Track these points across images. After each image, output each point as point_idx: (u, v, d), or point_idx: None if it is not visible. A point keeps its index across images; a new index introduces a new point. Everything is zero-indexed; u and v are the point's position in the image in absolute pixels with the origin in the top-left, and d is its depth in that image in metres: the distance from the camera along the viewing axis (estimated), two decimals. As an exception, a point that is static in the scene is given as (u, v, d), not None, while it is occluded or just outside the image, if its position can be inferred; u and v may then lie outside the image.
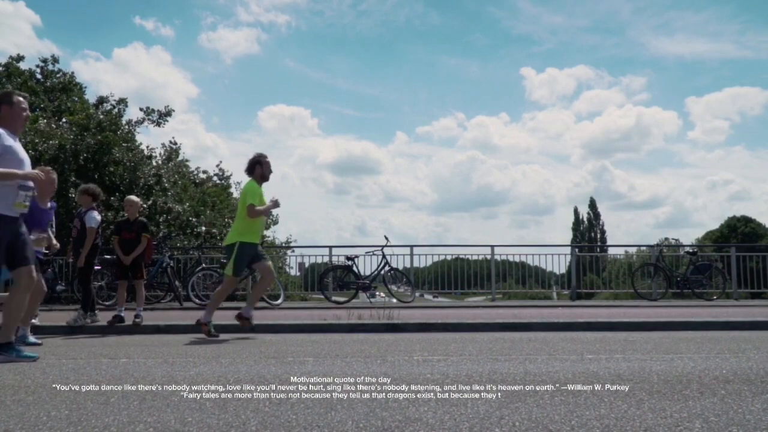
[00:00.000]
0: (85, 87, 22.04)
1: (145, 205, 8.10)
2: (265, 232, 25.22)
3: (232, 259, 6.30)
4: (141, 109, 19.50)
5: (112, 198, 14.77)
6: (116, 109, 19.41)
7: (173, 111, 19.73)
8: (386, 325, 6.89)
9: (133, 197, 7.84)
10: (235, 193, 26.35)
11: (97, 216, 7.30)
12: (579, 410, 2.53)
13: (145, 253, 7.55)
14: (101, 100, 20.33)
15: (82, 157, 14.86)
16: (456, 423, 2.34)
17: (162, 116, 19.34)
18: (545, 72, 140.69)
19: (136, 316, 7.17)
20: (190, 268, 12.24)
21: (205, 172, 24.37)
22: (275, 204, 6.53)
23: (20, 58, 20.75)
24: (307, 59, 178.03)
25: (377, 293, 12.72)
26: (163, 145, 21.48)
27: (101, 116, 17.09)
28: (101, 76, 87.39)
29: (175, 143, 21.39)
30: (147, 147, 18.75)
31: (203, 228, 17.08)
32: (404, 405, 2.68)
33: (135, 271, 7.42)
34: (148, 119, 19.20)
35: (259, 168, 6.45)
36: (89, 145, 15.11)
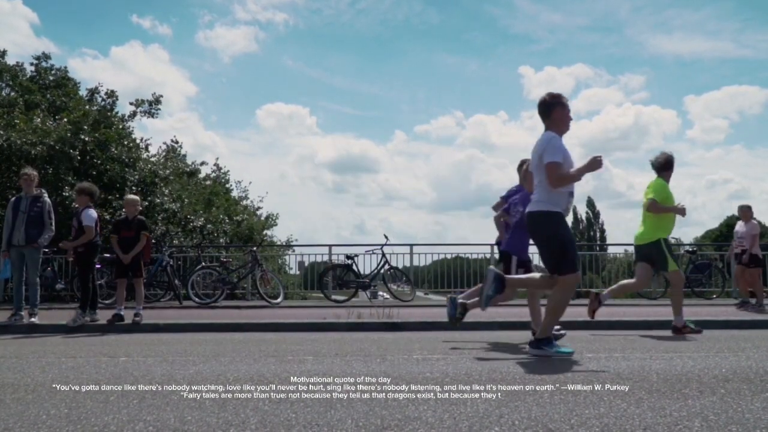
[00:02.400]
0: (79, 83, 21.73)
1: (140, 207, 8.07)
2: (266, 232, 25.22)
3: (666, 255, 6.25)
4: (131, 103, 19.35)
5: (110, 197, 14.75)
6: (105, 103, 19.25)
7: (161, 97, 19.48)
8: (386, 324, 6.90)
9: (133, 196, 7.85)
10: (235, 192, 26.39)
11: (93, 214, 7.33)
12: (578, 409, 2.54)
13: (144, 252, 7.57)
14: (93, 92, 20.24)
15: (77, 156, 14.76)
16: (455, 422, 2.34)
17: (152, 105, 19.16)
18: (544, 71, 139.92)
19: (136, 315, 7.17)
20: (189, 267, 12.25)
21: (204, 163, 24.39)
22: (680, 210, 6.38)
23: (3, 53, 20.51)
24: (306, 58, 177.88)
25: (379, 293, 12.70)
26: (165, 143, 21.51)
27: (96, 113, 17.02)
28: (99, 74, 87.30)
29: (177, 141, 21.40)
30: (141, 139, 18.61)
31: (201, 221, 17.02)
32: (404, 404, 2.68)
33: (134, 269, 7.42)
34: (140, 111, 19.04)
35: (671, 170, 6.51)
36: (86, 142, 15.06)
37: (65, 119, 15.75)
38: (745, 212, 9.37)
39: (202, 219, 17.27)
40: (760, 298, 9.11)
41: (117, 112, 18.71)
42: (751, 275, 9.36)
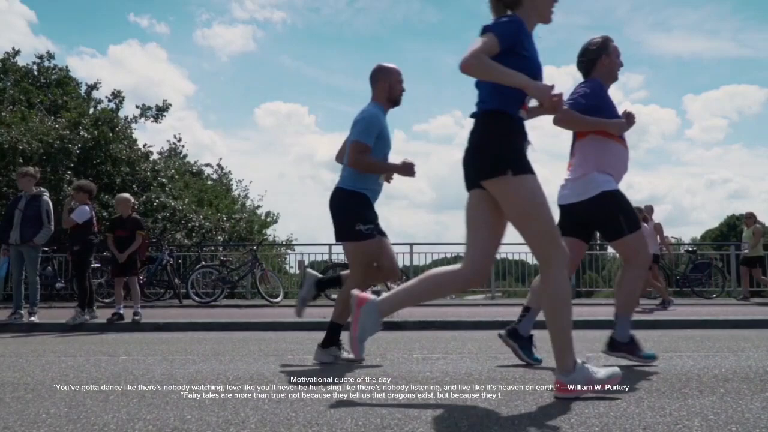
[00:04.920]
0: (81, 82, 21.68)
1: (137, 202, 8.05)
2: (266, 231, 25.19)
3: None
4: (137, 107, 19.35)
5: (107, 197, 14.69)
6: (112, 103, 19.23)
7: (170, 105, 19.47)
8: (386, 323, 6.89)
9: (125, 195, 7.82)
10: (236, 191, 26.40)
11: (85, 211, 7.34)
12: (578, 408, 2.53)
13: (140, 251, 7.58)
14: (91, 88, 20.20)
15: (76, 150, 14.67)
16: (455, 421, 2.34)
17: (160, 111, 19.13)
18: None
19: (135, 314, 7.17)
20: (189, 266, 12.24)
21: (208, 164, 24.41)
22: None
23: (16, 53, 20.48)
24: (304, 56, 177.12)
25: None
26: (169, 141, 21.55)
27: (99, 112, 17.01)
28: (97, 72, 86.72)
29: (180, 139, 21.42)
30: (144, 145, 18.57)
31: (201, 218, 16.99)
32: (404, 403, 2.68)
33: (129, 268, 7.40)
34: (146, 116, 19.00)
35: None
36: (85, 140, 14.97)
37: (64, 119, 15.73)
38: (643, 213, 9.70)
39: (201, 217, 17.29)
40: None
41: (124, 116, 18.73)
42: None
